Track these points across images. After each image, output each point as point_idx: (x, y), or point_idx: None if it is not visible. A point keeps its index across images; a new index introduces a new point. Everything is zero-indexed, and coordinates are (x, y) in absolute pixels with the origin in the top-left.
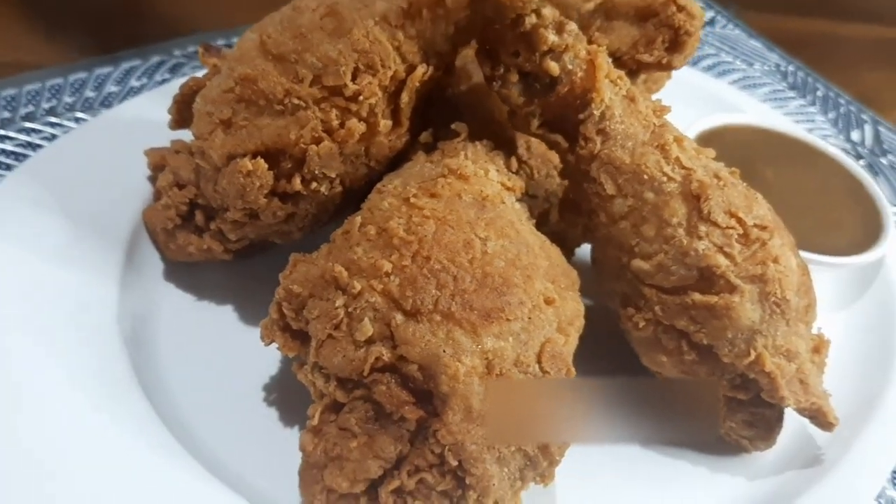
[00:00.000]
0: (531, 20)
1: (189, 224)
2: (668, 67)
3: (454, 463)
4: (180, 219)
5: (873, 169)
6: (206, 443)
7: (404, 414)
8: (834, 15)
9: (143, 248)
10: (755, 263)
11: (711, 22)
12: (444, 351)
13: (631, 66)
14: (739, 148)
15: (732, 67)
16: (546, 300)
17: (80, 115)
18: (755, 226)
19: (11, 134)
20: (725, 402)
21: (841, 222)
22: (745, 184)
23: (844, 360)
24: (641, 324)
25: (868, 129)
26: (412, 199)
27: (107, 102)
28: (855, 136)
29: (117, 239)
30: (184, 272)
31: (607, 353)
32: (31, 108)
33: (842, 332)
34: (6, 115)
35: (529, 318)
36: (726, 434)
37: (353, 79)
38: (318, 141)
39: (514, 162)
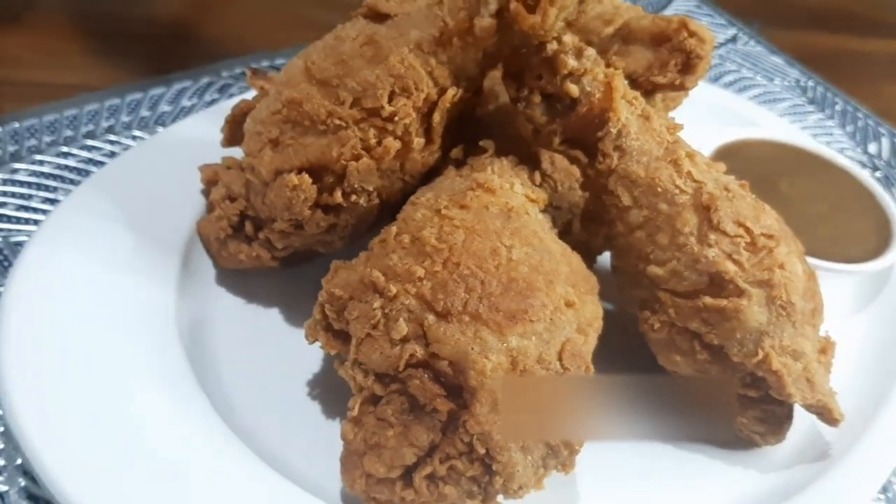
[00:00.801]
0: (552, 46)
1: (240, 234)
2: (682, 88)
3: (482, 451)
4: (231, 229)
5: (889, 180)
6: (257, 433)
7: (436, 406)
8: (857, 31)
9: (198, 257)
10: (762, 269)
11: (734, 39)
12: (472, 349)
13: (646, 87)
14: (757, 161)
15: (753, 83)
16: (567, 303)
17: (136, 133)
18: (762, 234)
19: (74, 151)
20: (738, 400)
21: (854, 232)
22: (753, 195)
23: (856, 360)
24: (657, 325)
25: (885, 141)
26: (443, 211)
27: (161, 121)
28: (872, 148)
29: (174, 248)
30: (235, 279)
31: (629, 354)
32: (91, 126)
33: (855, 334)
34: (69, 133)
35: (551, 319)
36: (739, 430)
37: (390, 101)
38: (357, 157)
39: (537, 176)
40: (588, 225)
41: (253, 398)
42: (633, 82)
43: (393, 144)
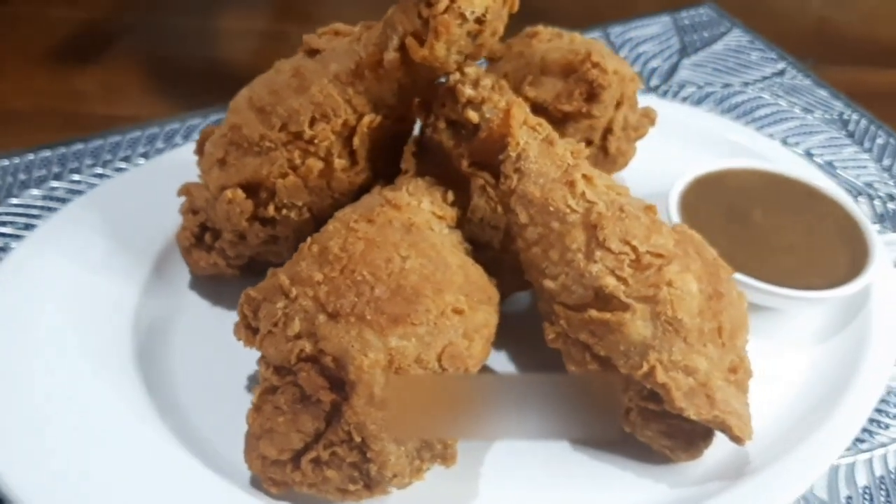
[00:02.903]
0: (455, 77)
1: (201, 243)
2: (589, 116)
3: (358, 439)
4: (195, 238)
5: None
6: (188, 416)
7: (320, 397)
8: None
9: (176, 263)
10: (647, 286)
11: (781, 73)
12: (353, 346)
13: (556, 114)
14: (734, 191)
15: (790, 115)
16: (455, 310)
17: None
18: (649, 252)
19: (108, 172)
20: (640, 412)
21: (826, 261)
22: (652, 217)
23: (803, 388)
24: (552, 336)
25: None
26: (352, 224)
27: None
28: None
29: (148, 254)
30: (205, 285)
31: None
32: (128, 152)
33: (811, 362)
34: (108, 157)
35: (435, 323)
36: (649, 443)
37: (311, 125)
38: (284, 175)
39: (449, 195)
40: (505, 240)
41: (194, 386)
42: (545, 110)
43: (316, 164)
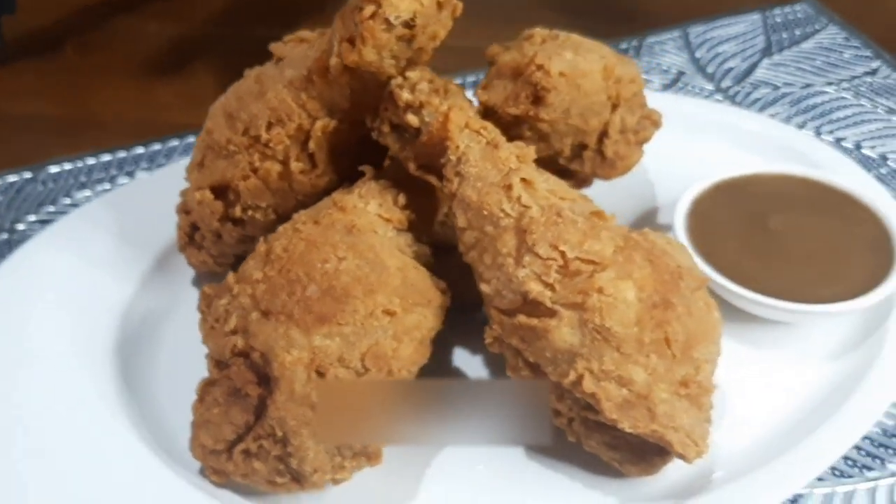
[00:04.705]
0: (395, 81)
1: (194, 242)
2: (536, 119)
3: (280, 434)
4: (188, 238)
5: None
6: (162, 409)
7: (248, 391)
8: None
9: (178, 259)
10: (576, 292)
11: (873, 72)
12: (278, 343)
13: (506, 117)
14: (756, 197)
15: (873, 117)
16: (385, 311)
17: None
18: (579, 259)
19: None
20: (582, 422)
21: (844, 273)
22: (594, 223)
23: (798, 405)
24: (489, 340)
25: None
26: (299, 226)
27: None
28: None
29: (150, 250)
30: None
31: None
32: (165, 161)
33: (810, 381)
34: (145, 165)
35: (362, 324)
36: (598, 454)
37: (268, 130)
38: (246, 178)
39: (400, 198)
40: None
41: (175, 385)
42: (495, 113)
43: (274, 167)
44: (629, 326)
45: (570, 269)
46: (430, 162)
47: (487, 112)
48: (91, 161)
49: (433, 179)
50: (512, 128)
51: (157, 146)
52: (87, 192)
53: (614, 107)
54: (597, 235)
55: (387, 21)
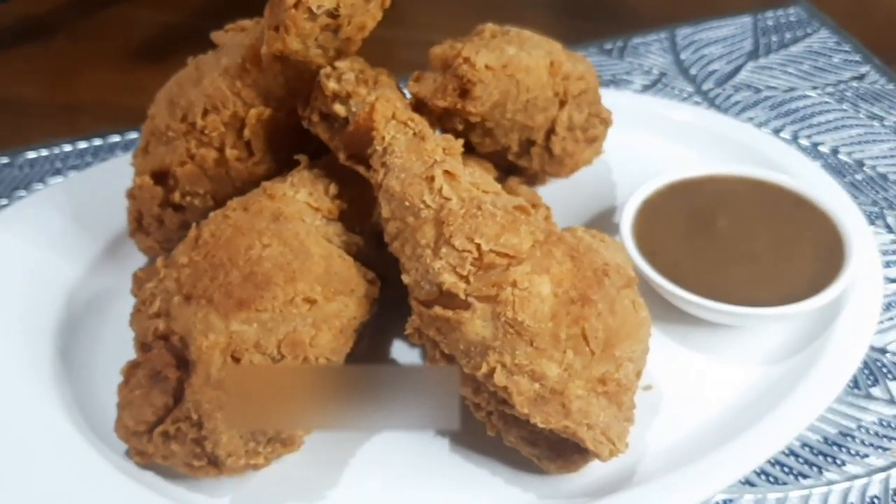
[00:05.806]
0: (325, 71)
1: (142, 228)
2: (463, 112)
3: (196, 417)
4: (136, 223)
5: None
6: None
7: (167, 374)
8: None
9: (130, 245)
10: (489, 285)
11: (861, 77)
12: (196, 327)
13: (435, 110)
14: (708, 197)
15: (854, 122)
16: (306, 299)
17: None
18: (494, 252)
19: None
20: (500, 416)
21: (792, 278)
22: (515, 217)
23: (737, 407)
24: (409, 330)
25: None
26: (228, 212)
27: None
28: None
29: (103, 235)
30: None
31: None
32: None
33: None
34: (120, 153)
35: (280, 311)
36: (518, 449)
37: (203, 116)
38: (183, 164)
39: (332, 188)
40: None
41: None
42: (425, 105)
43: (209, 153)
44: (543, 321)
45: (484, 262)
46: (358, 152)
47: (419, 104)
48: (67, 148)
49: (362, 170)
50: (445, 121)
51: (133, 135)
52: (60, 179)
53: (562, 103)
54: (515, 229)
55: (310, 10)
